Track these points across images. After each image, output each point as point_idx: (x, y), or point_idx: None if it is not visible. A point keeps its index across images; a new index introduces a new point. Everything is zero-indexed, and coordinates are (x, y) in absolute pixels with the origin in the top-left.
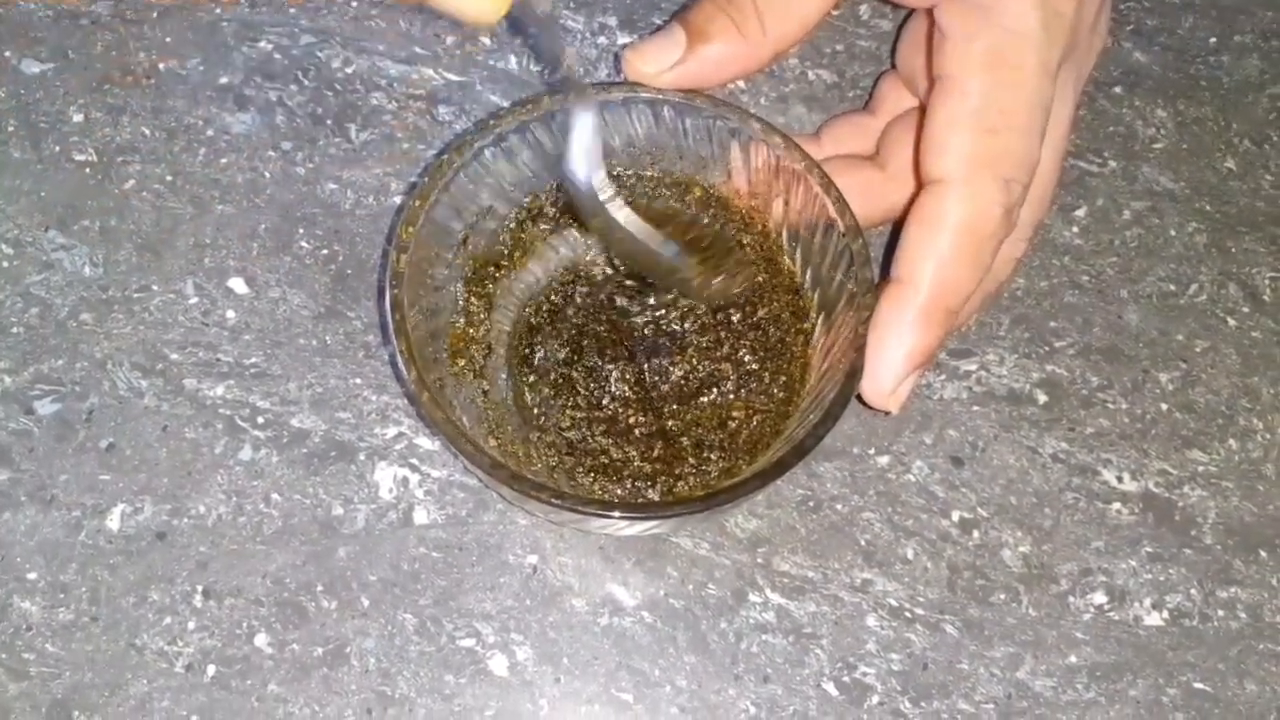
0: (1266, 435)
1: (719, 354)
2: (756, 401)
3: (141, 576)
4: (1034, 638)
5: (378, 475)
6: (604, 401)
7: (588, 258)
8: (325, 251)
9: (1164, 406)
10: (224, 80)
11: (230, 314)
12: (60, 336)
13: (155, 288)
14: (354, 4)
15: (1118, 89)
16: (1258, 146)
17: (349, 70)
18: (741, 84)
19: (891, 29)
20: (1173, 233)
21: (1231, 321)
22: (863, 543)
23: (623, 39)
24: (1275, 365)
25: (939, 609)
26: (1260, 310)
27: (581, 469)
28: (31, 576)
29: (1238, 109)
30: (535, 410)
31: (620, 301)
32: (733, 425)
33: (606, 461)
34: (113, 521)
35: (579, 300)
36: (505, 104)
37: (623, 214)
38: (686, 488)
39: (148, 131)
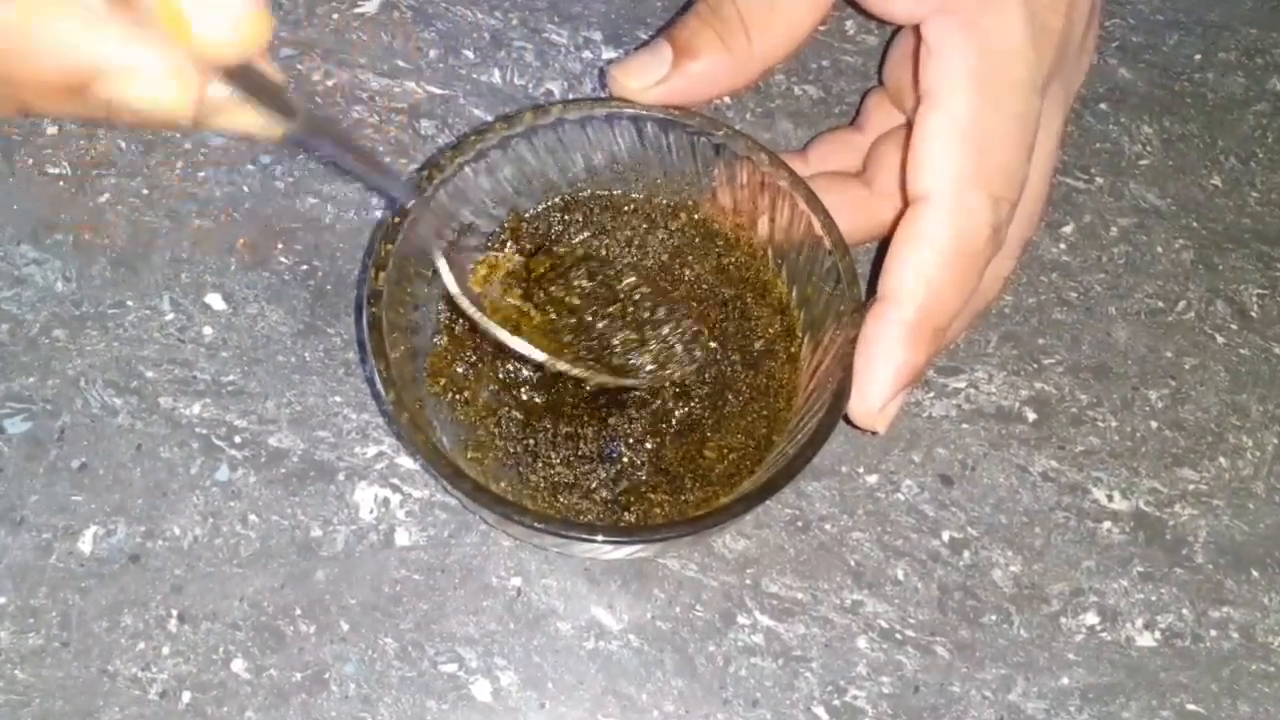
0: (1256, 453)
1: (706, 375)
2: (743, 423)
3: (114, 600)
4: (1026, 659)
5: (358, 495)
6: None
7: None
8: (305, 267)
9: (1153, 424)
10: None
11: (207, 330)
12: (32, 353)
13: (130, 303)
14: (335, 16)
15: (1104, 105)
16: (1243, 163)
17: (330, 83)
18: (727, 99)
19: (878, 45)
20: (1160, 249)
21: (1220, 338)
22: (852, 563)
23: (607, 54)
24: (1264, 382)
25: (930, 630)
26: (1248, 327)
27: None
28: (0, 601)
29: (1223, 125)
30: (519, 430)
31: (602, 322)
32: (717, 448)
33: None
34: (85, 544)
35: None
36: (488, 118)
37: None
38: (662, 513)
39: (124, 144)
